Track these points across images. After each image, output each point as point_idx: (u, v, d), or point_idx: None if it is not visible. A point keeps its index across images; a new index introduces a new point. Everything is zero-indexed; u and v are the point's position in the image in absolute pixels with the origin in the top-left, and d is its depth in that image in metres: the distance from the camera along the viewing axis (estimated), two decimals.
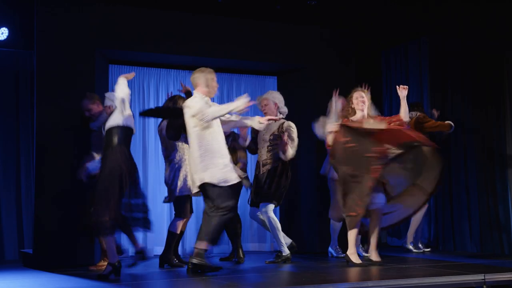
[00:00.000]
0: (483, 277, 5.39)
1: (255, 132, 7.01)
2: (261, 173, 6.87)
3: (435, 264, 6.43)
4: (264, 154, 6.89)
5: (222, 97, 8.53)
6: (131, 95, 7.99)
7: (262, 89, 8.53)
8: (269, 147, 6.85)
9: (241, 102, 5.94)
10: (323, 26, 8.27)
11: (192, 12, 7.63)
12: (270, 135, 6.86)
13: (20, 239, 8.12)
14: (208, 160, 5.90)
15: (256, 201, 6.92)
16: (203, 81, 6.06)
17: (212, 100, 6.29)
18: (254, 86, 8.68)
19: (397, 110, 8.94)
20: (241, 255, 7.08)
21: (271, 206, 6.80)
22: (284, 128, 6.83)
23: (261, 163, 6.90)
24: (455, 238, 8.03)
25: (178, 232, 6.76)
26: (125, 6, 7.36)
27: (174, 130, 6.63)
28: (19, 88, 8.24)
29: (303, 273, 6.02)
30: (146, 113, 7.01)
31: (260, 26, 8.00)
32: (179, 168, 6.67)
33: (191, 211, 6.92)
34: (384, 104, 9.33)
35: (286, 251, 6.82)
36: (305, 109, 7.33)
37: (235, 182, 5.97)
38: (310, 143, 7.02)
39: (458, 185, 8.02)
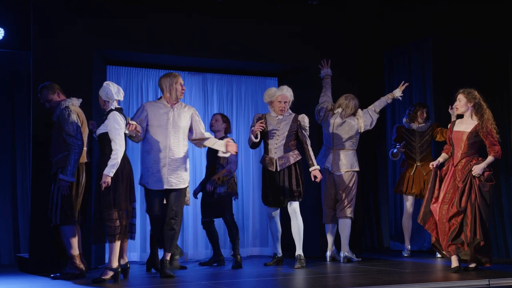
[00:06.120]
0: (487, 282, 5.38)
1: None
2: (278, 170, 6.81)
3: (440, 269, 6.34)
4: (280, 150, 6.83)
5: (222, 99, 8.44)
6: (129, 97, 8.02)
7: (262, 91, 8.42)
8: (289, 141, 6.82)
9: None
10: (324, 27, 8.20)
11: (192, 13, 7.56)
12: (288, 130, 6.84)
13: (16, 243, 8.06)
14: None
15: (282, 200, 6.81)
16: (165, 86, 6.24)
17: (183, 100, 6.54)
18: (255, 87, 8.60)
19: (398, 111, 8.93)
20: (239, 260, 6.97)
21: (298, 204, 6.82)
22: (300, 120, 6.89)
23: (276, 159, 6.83)
24: None
25: None
26: (124, 7, 7.29)
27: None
28: (15, 89, 8.17)
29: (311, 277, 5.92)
30: None
31: (261, 26, 7.93)
32: None
33: None
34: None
35: (280, 253, 7.02)
36: (306, 110, 7.26)
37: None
38: (311, 143, 6.95)
39: None
